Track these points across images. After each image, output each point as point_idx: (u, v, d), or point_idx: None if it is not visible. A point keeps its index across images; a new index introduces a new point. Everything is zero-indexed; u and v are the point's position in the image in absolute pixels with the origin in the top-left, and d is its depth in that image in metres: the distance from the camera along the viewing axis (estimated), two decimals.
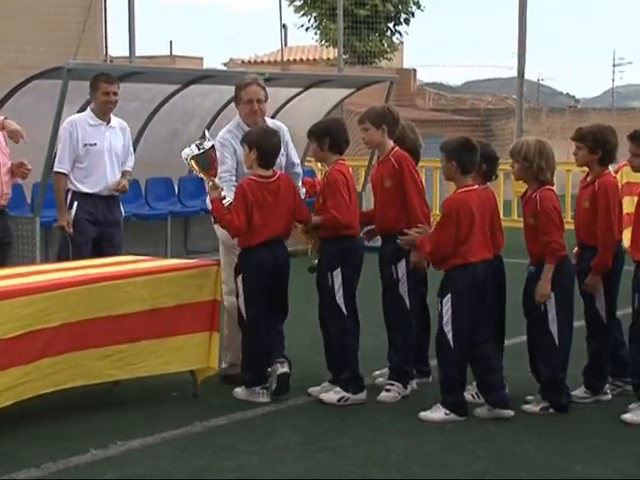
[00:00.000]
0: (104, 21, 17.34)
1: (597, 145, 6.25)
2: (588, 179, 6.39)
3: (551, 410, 6.08)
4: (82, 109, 10.30)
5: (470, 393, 6.24)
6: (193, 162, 6.21)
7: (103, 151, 7.78)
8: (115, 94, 7.77)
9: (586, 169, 6.46)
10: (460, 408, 5.95)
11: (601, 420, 5.99)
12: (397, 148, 6.41)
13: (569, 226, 6.40)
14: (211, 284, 6.33)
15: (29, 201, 10.85)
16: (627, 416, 5.92)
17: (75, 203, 7.75)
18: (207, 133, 6.37)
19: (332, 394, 6.26)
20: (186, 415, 5.91)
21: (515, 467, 5.17)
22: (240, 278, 6.31)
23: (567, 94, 40.90)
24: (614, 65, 52.92)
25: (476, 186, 6.08)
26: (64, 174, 7.78)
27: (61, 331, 5.59)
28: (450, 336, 5.92)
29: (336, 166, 6.34)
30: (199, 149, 6.18)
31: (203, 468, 5.08)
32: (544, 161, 6.05)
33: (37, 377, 5.50)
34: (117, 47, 39.74)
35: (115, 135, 7.90)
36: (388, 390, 6.36)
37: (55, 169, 7.88)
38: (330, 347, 6.41)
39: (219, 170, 6.39)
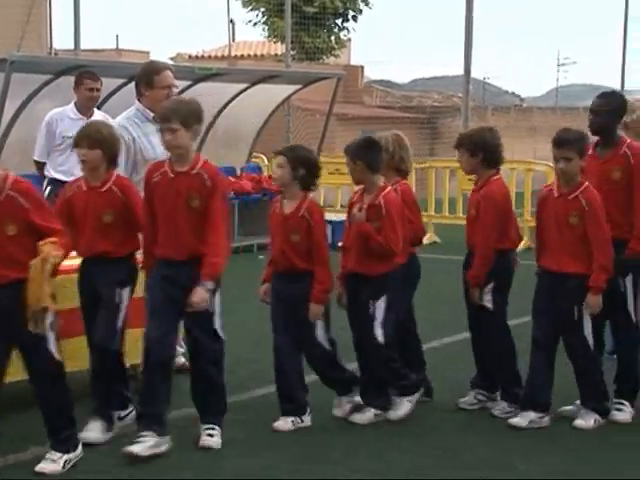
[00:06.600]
0: (49, 13, 17.17)
1: (477, 148, 5.90)
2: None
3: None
4: (24, 104, 10.30)
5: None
6: None
7: None
8: (98, 90, 8.50)
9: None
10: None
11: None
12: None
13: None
14: None
15: None
16: (578, 422, 5.74)
17: (49, 187, 8.43)
18: None
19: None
20: None
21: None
22: None
23: (512, 93, 41.23)
24: (559, 65, 53.53)
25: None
26: (43, 163, 8.71)
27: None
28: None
29: None
30: None
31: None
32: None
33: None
34: (62, 40, 39.29)
35: None
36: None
37: (35, 158, 8.79)
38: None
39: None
